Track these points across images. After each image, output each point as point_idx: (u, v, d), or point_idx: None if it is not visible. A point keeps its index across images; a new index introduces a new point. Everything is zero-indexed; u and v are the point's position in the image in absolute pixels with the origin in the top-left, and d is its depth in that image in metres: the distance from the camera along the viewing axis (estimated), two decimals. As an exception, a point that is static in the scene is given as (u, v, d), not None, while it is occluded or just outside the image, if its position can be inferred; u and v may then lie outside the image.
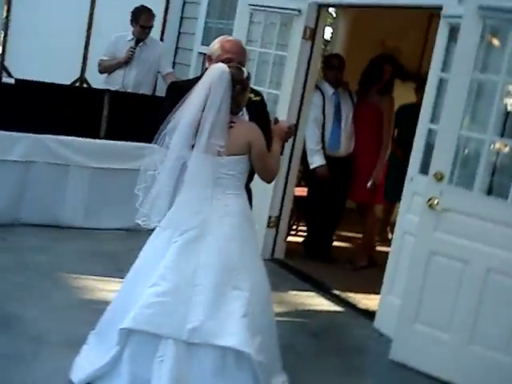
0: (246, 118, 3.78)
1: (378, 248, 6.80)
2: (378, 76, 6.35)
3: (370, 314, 5.24)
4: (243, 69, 3.63)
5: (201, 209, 3.51)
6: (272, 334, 3.69)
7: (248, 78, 3.62)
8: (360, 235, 6.91)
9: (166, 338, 3.39)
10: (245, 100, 3.65)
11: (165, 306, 3.42)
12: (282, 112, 5.81)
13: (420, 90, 6.79)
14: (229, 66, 3.54)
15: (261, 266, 3.72)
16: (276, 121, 3.93)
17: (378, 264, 6.50)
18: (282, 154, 3.83)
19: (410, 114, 6.38)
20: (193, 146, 3.49)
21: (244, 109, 3.72)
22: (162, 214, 3.55)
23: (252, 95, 3.81)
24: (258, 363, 3.41)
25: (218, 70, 3.52)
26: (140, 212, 3.54)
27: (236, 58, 3.79)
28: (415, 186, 4.85)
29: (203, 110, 3.45)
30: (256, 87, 4.58)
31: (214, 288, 3.45)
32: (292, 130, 3.96)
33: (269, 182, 3.80)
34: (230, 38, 4.08)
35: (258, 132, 3.58)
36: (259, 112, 3.94)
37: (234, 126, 3.54)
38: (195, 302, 3.42)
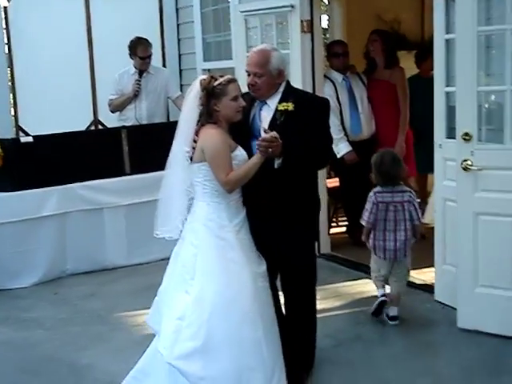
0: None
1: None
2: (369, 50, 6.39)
3: (428, 288, 5.20)
4: (219, 77, 3.62)
5: (186, 215, 3.72)
6: (243, 349, 3.52)
7: (221, 84, 3.58)
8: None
9: None
10: (225, 110, 3.60)
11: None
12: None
13: (421, 58, 6.80)
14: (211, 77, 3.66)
15: (229, 279, 3.57)
16: (265, 132, 3.55)
17: (425, 236, 6.45)
18: (284, 165, 3.60)
19: (415, 86, 6.40)
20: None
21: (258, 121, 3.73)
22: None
23: (283, 104, 3.68)
24: (172, 365, 3.50)
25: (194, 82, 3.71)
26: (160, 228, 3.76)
27: (250, 70, 3.76)
28: (445, 151, 4.80)
29: None
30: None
31: (171, 291, 3.67)
32: (272, 143, 3.46)
33: (227, 191, 3.60)
34: (255, 48, 3.95)
35: (212, 139, 3.57)
36: (290, 122, 3.66)
37: (199, 134, 3.63)
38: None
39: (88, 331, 4.89)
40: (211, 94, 3.59)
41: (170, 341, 3.53)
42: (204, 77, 3.73)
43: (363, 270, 5.82)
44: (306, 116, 3.67)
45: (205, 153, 3.58)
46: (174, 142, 3.70)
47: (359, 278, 5.68)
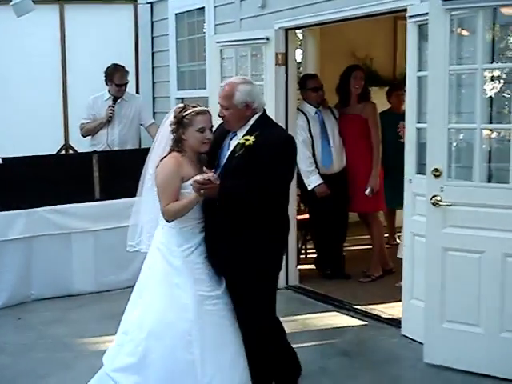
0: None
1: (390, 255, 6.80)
2: (348, 85, 6.43)
3: (395, 322, 5.21)
4: (191, 107, 3.75)
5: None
6: (176, 370, 3.69)
7: (190, 115, 3.70)
8: (368, 246, 6.89)
9: None
10: (191, 140, 3.72)
11: None
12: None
13: (392, 93, 6.92)
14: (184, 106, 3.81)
15: (171, 299, 3.76)
16: (204, 171, 3.67)
17: (392, 271, 6.50)
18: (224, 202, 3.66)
19: (385, 121, 6.50)
20: None
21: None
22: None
23: (245, 137, 3.71)
24: (109, 376, 3.78)
25: None
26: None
27: (219, 102, 3.85)
28: (415, 187, 4.85)
29: None
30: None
31: (128, 305, 3.96)
32: (204, 185, 3.55)
33: (165, 220, 3.75)
34: (225, 81, 4.09)
35: (163, 167, 3.72)
36: (247, 156, 3.67)
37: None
38: None
39: (52, 358, 4.80)
40: (180, 122, 3.73)
41: (113, 352, 3.88)
42: (180, 105, 3.83)
43: (331, 303, 5.85)
44: (263, 153, 3.65)
45: (156, 179, 3.76)
46: (148, 164, 3.91)
47: (327, 311, 5.69)
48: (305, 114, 6.39)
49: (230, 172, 3.70)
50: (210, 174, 3.56)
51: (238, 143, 3.74)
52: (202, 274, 3.78)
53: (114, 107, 6.87)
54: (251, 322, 3.83)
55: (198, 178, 3.55)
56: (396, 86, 6.88)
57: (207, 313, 3.75)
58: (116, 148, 6.87)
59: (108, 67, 6.89)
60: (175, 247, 3.77)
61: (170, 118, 3.79)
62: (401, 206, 5.17)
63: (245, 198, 3.67)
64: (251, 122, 3.81)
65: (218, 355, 3.74)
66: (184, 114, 3.72)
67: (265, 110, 3.92)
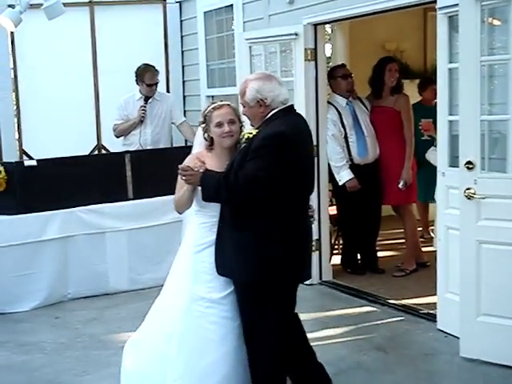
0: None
1: (424, 249, 6.75)
2: (383, 78, 6.38)
3: (431, 317, 5.18)
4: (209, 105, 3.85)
5: None
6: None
7: (209, 112, 3.77)
8: (402, 240, 6.85)
9: None
10: (214, 136, 3.75)
11: None
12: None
13: (422, 86, 6.89)
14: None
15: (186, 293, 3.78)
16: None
17: (427, 264, 6.45)
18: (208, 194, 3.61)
19: (417, 114, 6.47)
20: None
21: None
22: None
23: (249, 131, 3.73)
24: None
25: None
26: None
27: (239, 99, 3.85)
28: (448, 180, 4.81)
29: None
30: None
31: None
32: (185, 171, 3.58)
33: (178, 212, 3.84)
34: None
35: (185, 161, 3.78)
36: (246, 150, 3.58)
37: None
38: None
39: (89, 356, 4.86)
40: (204, 121, 3.80)
41: None
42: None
43: (365, 298, 5.83)
44: (252, 146, 3.54)
45: None
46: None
47: (362, 306, 5.67)
48: (335, 107, 6.36)
49: (230, 164, 3.61)
50: (196, 162, 3.64)
51: (243, 136, 3.73)
52: (206, 274, 3.72)
53: (145, 107, 6.90)
54: (252, 345, 3.66)
55: (181, 165, 3.65)
56: (430, 80, 6.81)
57: (195, 314, 3.71)
58: (149, 147, 6.90)
59: (138, 67, 6.93)
60: (192, 241, 3.81)
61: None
62: (432, 199, 5.13)
63: (215, 192, 3.56)
64: (267, 117, 3.66)
65: (193, 358, 3.69)
66: (205, 112, 3.79)
67: (288, 106, 3.70)
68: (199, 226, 3.78)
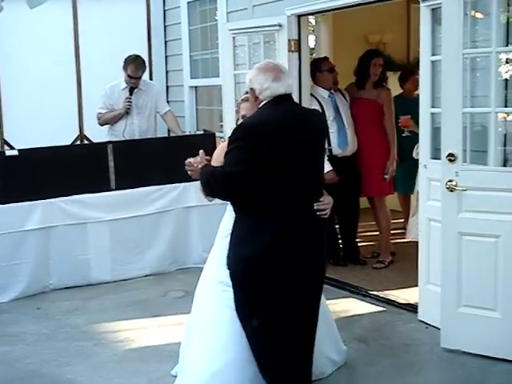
0: None
1: (404, 240, 6.82)
2: (368, 71, 6.40)
3: (412, 308, 5.21)
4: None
5: None
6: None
7: (238, 103, 3.97)
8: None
9: None
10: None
11: None
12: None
13: (403, 79, 6.93)
14: None
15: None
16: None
17: (394, 253, 6.56)
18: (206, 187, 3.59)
19: (398, 106, 6.50)
20: None
21: None
22: None
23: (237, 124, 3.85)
24: None
25: None
26: None
27: None
28: (430, 172, 4.84)
29: None
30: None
31: None
32: (188, 166, 3.64)
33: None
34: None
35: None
36: None
37: None
38: None
39: (71, 347, 4.85)
40: (237, 111, 4.05)
41: None
42: None
43: (347, 289, 5.85)
44: None
45: None
46: None
47: (343, 297, 5.69)
48: (317, 99, 6.37)
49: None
50: (198, 157, 3.64)
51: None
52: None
53: (130, 99, 6.84)
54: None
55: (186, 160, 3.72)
56: (411, 71, 6.86)
57: (213, 296, 3.84)
58: (137, 138, 6.86)
59: (129, 56, 6.83)
60: (222, 227, 3.97)
61: None
62: (412, 191, 5.15)
63: (209, 188, 3.56)
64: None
65: (206, 338, 3.83)
66: (237, 103, 4.01)
67: (278, 96, 3.47)
68: (229, 212, 3.87)
